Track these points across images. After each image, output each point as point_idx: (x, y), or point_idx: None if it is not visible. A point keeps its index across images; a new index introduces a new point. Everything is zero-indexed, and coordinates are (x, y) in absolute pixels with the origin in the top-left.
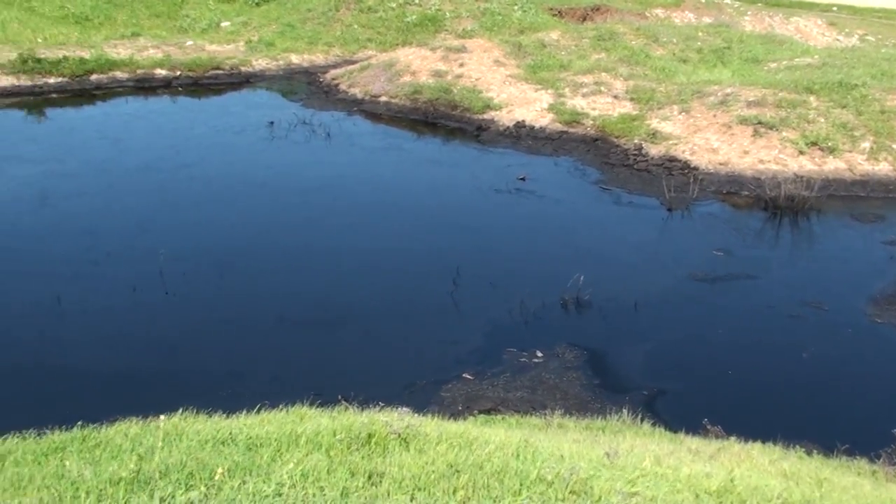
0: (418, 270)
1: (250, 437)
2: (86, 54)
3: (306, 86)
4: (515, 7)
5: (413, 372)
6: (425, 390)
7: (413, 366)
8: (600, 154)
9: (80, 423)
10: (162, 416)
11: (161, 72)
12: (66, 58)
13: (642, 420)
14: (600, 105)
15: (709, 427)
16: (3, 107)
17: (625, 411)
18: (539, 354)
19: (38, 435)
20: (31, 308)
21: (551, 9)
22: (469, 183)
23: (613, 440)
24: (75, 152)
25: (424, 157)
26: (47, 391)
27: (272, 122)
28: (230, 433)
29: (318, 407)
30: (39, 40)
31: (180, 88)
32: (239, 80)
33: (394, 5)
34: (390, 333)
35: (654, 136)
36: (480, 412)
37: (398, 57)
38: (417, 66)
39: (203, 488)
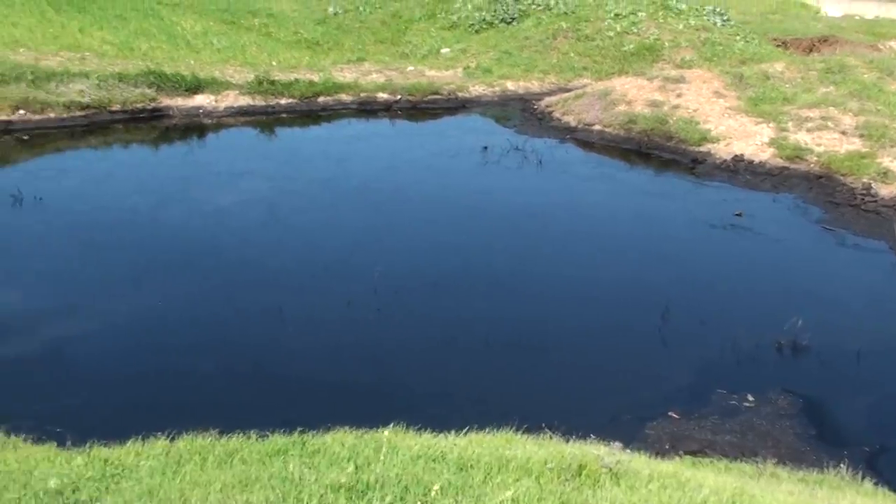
0: (625, 302)
1: (461, 458)
2: (315, 77)
3: (520, 112)
4: (737, 37)
5: (617, 405)
6: (629, 425)
7: (617, 399)
8: (824, 192)
9: (299, 429)
10: (385, 431)
11: (383, 95)
12: (297, 80)
13: (863, 478)
14: (826, 141)
15: None
16: (239, 125)
17: (843, 466)
18: (750, 398)
19: (260, 437)
20: (256, 316)
21: (775, 39)
22: (682, 216)
23: (832, 496)
24: (301, 170)
25: (637, 187)
26: (266, 395)
27: (486, 147)
28: (441, 452)
29: (522, 433)
30: (274, 63)
31: (399, 112)
32: (455, 105)
33: (611, 34)
34: (594, 364)
35: (885, 175)
36: (686, 453)
37: (614, 86)
38: (633, 96)
39: (418, 503)
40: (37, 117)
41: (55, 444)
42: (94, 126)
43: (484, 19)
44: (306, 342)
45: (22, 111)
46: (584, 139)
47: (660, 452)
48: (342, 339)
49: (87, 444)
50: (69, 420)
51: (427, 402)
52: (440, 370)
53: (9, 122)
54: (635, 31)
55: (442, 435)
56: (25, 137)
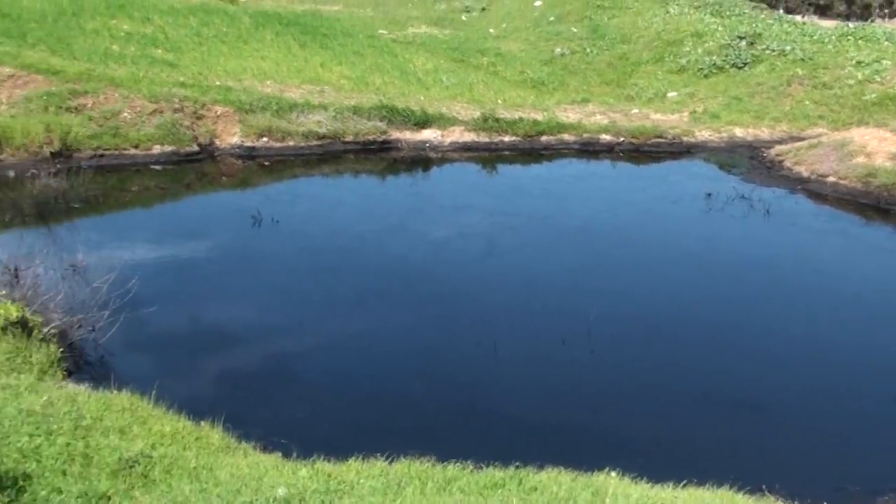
0: (857, 365)
1: None
2: (539, 116)
3: (748, 160)
4: None
5: (843, 474)
6: (857, 497)
7: (845, 467)
8: None
9: (514, 463)
10: (602, 476)
11: (605, 137)
12: (521, 119)
13: None
14: None
15: None
16: (463, 160)
17: None
18: None
19: (476, 467)
20: (472, 351)
21: None
22: None
23: None
24: (521, 207)
25: (874, 244)
26: (477, 427)
27: (710, 194)
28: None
29: (741, 493)
30: (499, 101)
31: (621, 154)
32: (679, 150)
33: (851, 82)
34: (820, 428)
35: None
36: None
37: (852, 136)
38: (874, 148)
39: None
40: (278, 145)
41: (280, 454)
42: (327, 155)
43: (714, 64)
44: (518, 377)
45: (265, 138)
46: (817, 191)
47: None
48: (553, 378)
49: (311, 458)
50: (293, 432)
51: (638, 449)
52: (652, 418)
53: (253, 149)
54: (878, 79)
55: (659, 486)
56: (266, 163)
